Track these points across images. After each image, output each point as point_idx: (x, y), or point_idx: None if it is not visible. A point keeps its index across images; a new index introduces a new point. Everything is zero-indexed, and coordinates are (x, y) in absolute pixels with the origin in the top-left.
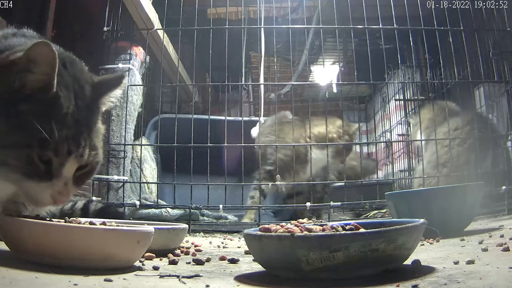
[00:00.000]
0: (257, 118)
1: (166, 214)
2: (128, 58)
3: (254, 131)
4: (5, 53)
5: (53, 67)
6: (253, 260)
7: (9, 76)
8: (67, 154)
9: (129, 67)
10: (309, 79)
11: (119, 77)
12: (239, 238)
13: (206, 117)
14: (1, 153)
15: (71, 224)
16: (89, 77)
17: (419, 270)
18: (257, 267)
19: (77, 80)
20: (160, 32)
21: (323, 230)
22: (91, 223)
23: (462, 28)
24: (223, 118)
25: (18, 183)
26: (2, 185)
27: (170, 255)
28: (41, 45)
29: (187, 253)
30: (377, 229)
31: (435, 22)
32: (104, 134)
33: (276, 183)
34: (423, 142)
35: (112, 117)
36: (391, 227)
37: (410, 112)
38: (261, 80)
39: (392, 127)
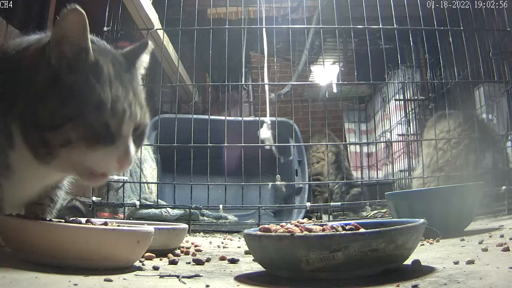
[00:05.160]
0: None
1: (166, 214)
2: None
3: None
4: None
5: (84, 26)
6: (253, 260)
7: (44, 59)
8: (123, 113)
9: None
10: (309, 79)
11: (144, 43)
12: (239, 238)
13: (206, 117)
14: (62, 131)
15: (71, 224)
16: (115, 49)
17: (419, 270)
18: (257, 267)
19: (108, 50)
20: (160, 32)
21: (323, 230)
22: (90, 222)
23: (462, 28)
24: (223, 118)
25: (83, 157)
26: (30, 186)
27: (170, 255)
28: (70, 12)
29: (187, 253)
30: (377, 229)
31: (435, 22)
32: None
33: (276, 183)
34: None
35: None
36: (391, 227)
37: (410, 112)
38: (266, 80)
39: (392, 127)
